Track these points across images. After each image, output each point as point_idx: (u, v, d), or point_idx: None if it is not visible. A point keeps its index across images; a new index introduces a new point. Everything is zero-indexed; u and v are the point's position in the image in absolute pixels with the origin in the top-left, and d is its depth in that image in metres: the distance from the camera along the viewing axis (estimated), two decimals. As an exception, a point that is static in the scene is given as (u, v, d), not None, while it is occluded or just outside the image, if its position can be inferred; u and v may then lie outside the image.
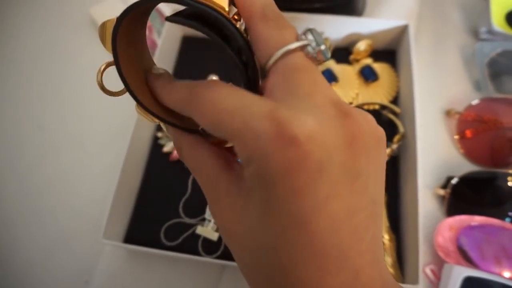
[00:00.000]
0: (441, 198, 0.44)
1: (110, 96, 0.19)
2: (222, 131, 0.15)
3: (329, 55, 0.17)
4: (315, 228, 0.14)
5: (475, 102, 0.47)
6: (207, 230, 0.43)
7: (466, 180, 0.43)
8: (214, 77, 0.51)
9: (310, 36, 0.16)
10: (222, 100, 0.15)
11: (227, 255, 0.42)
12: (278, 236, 0.14)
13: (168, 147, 0.48)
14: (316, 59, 0.16)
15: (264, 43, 0.16)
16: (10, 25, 0.63)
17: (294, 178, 0.13)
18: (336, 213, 0.14)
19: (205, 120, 0.16)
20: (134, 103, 0.20)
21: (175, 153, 0.48)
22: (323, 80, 0.16)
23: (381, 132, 0.16)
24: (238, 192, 0.16)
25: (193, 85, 0.17)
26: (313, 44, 0.16)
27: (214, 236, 0.42)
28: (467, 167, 0.45)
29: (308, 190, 0.14)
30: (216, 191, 0.17)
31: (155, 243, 0.43)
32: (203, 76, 0.52)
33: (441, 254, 0.40)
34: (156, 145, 0.49)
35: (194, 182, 0.46)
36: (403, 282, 0.39)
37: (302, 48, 0.16)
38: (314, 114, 0.14)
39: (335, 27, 0.50)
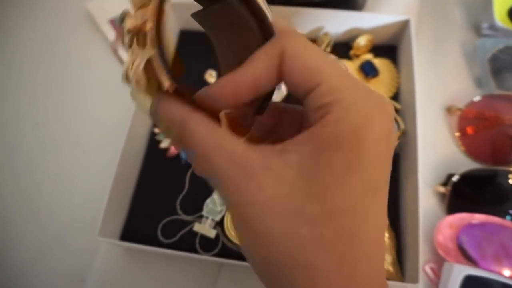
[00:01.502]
0: (442, 195, 0.43)
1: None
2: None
3: None
4: (385, 198, 0.17)
5: (476, 98, 0.46)
6: (205, 227, 0.42)
7: (467, 178, 0.42)
8: (213, 73, 0.51)
9: None
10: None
11: (224, 253, 0.41)
12: (353, 200, 0.15)
13: (165, 143, 0.48)
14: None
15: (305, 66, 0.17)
16: (5, 21, 0.62)
17: (385, 146, 0.16)
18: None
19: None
20: (130, 100, 0.18)
21: (172, 149, 0.47)
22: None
23: None
24: (283, 165, 0.16)
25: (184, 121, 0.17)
26: None
27: (211, 233, 0.42)
28: (468, 164, 0.45)
29: (385, 160, 0.16)
30: (245, 171, 0.16)
31: (152, 241, 0.43)
32: (201, 71, 0.51)
33: (441, 252, 0.39)
34: (153, 142, 0.49)
35: (192, 178, 0.46)
36: (403, 280, 0.38)
37: None
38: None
39: (336, 22, 0.49)
